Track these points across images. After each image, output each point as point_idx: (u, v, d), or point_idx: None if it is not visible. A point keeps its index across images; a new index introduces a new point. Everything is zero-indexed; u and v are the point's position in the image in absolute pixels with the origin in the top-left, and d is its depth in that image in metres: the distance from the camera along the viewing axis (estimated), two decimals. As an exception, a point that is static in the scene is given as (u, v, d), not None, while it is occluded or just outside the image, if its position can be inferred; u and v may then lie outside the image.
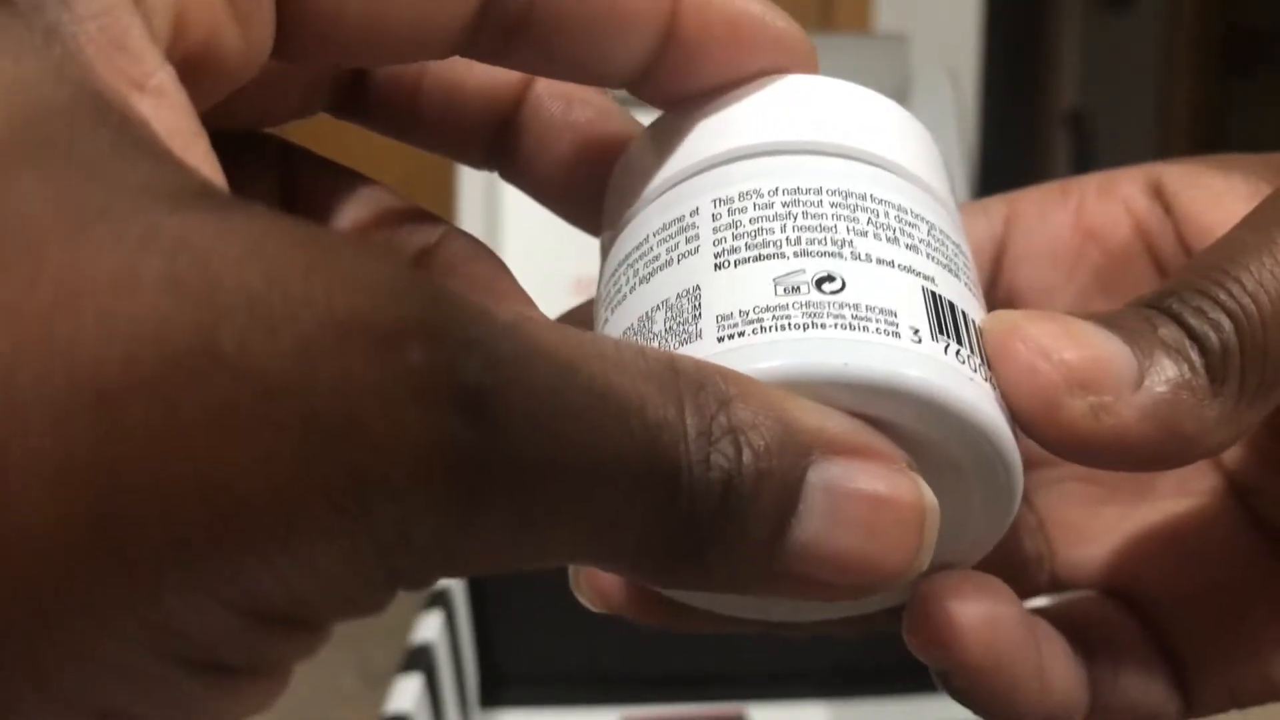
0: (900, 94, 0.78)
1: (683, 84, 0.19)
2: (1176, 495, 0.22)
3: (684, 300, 0.17)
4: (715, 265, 0.17)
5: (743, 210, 0.18)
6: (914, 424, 0.16)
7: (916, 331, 0.16)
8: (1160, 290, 0.17)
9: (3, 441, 0.11)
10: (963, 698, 0.19)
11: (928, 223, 0.18)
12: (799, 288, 0.16)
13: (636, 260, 0.18)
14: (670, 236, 0.18)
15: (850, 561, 0.15)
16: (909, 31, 0.82)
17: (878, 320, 0.16)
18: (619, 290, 0.18)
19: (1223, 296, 0.16)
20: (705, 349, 0.16)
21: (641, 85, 0.19)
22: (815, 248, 0.17)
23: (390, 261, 0.12)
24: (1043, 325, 0.17)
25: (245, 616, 0.12)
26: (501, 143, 0.21)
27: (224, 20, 0.15)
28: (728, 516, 0.14)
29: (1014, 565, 0.22)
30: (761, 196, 0.18)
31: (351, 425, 0.11)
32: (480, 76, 0.21)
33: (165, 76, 0.14)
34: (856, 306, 0.16)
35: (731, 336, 0.16)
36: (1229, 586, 0.21)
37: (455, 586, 0.55)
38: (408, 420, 0.11)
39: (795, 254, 0.17)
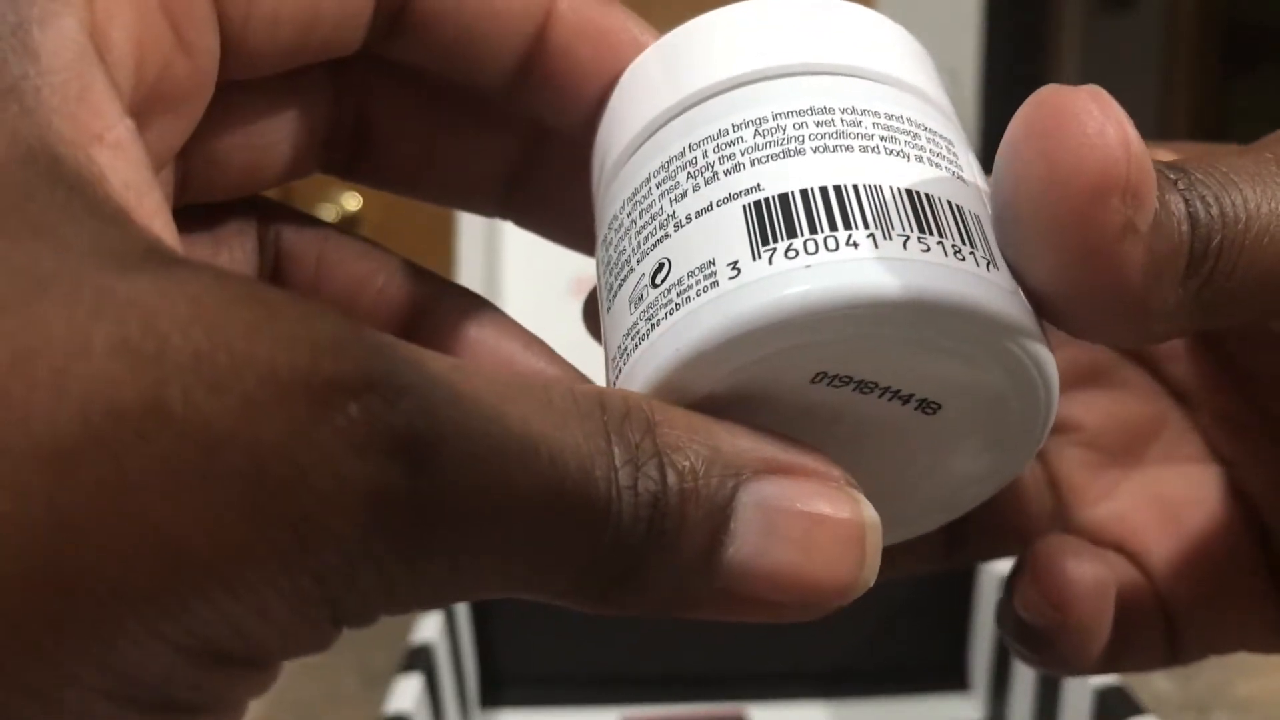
0: (900, 94, 0.78)
1: (557, 91, 0.20)
2: (1168, 464, 0.23)
3: (605, 357, 0.17)
4: (606, 310, 0.17)
5: (609, 243, 0.17)
6: (808, 339, 0.15)
7: (734, 264, 0.15)
8: (1174, 162, 0.16)
9: None
10: (1045, 651, 0.21)
11: (754, 122, 0.16)
12: (641, 296, 0.16)
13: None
14: (599, 299, 0.18)
15: (788, 579, 0.15)
16: (908, 32, 0.82)
17: (697, 283, 0.15)
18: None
19: (1226, 202, 0.16)
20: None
21: (518, 94, 0.20)
22: (649, 243, 0.16)
23: (330, 317, 0.12)
24: (1106, 101, 0.15)
25: (198, 658, 0.12)
26: (518, 184, 0.22)
27: (174, 55, 0.16)
28: (657, 538, 0.14)
29: (1034, 519, 0.23)
30: (616, 219, 0.17)
31: (295, 477, 0.12)
32: (495, 115, 0.21)
33: (124, 130, 0.14)
34: (679, 282, 0.15)
35: (616, 377, 0.16)
36: (1210, 550, 0.22)
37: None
38: (348, 471, 0.12)
39: (638, 260, 0.16)
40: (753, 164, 0.16)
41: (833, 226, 0.15)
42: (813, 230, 0.15)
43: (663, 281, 0.16)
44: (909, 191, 0.15)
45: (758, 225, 0.15)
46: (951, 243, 0.15)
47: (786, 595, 0.15)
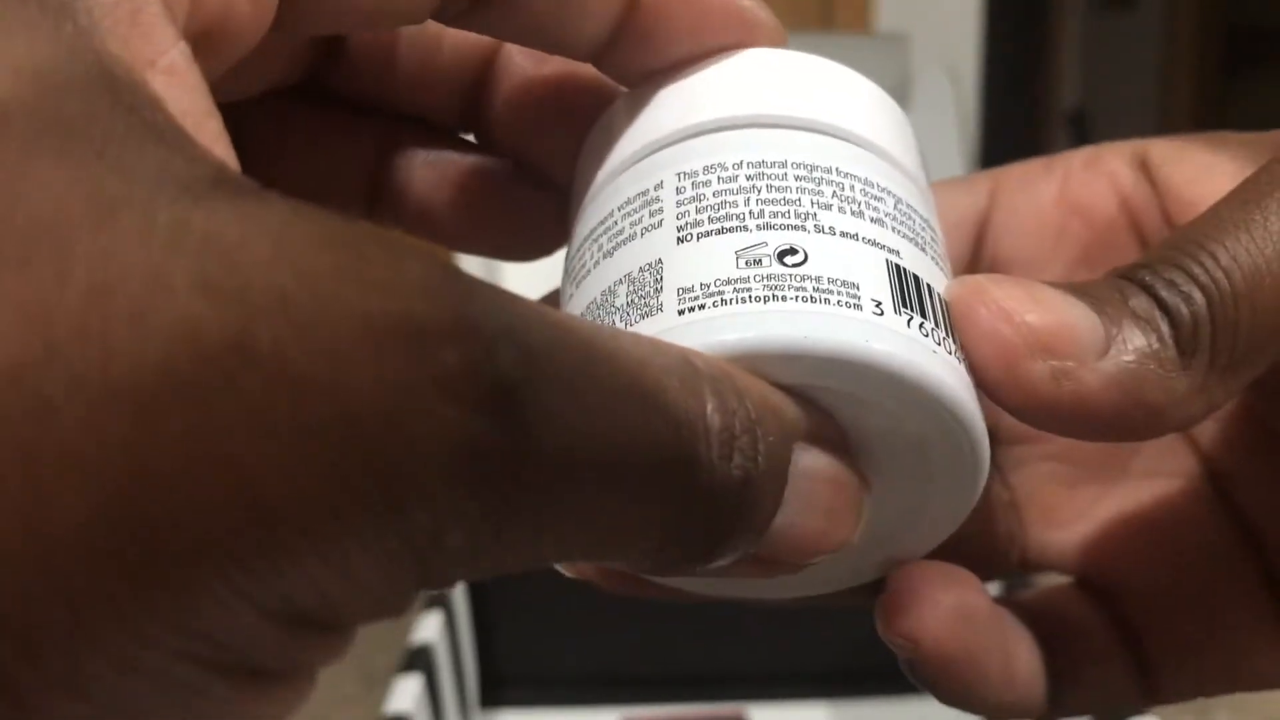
0: (900, 94, 0.78)
1: (647, 58, 0.19)
2: (1151, 478, 0.22)
3: (646, 274, 0.17)
4: (678, 239, 0.17)
5: (706, 184, 0.18)
6: (875, 397, 0.16)
7: (879, 304, 0.16)
8: (1135, 262, 0.17)
9: (34, 441, 0.10)
10: (929, 686, 0.19)
11: (894, 196, 0.18)
12: (761, 260, 0.16)
13: (601, 235, 0.18)
14: (634, 211, 0.18)
15: (810, 541, 0.15)
16: (909, 31, 0.82)
17: (840, 293, 0.16)
18: (584, 265, 0.18)
19: (1196, 270, 0.16)
20: (666, 322, 0.16)
21: (606, 58, 0.19)
22: (778, 220, 0.17)
23: (421, 260, 0.12)
24: (1007, 289, 0.17)
25: (277, 620, 0.12)
26: (476, 103, 0.22)
27: None
28: (743, 510, 0.14)
29: (986, 543, 0.22)
30: (725, 170, 0.18)
31: (386, 428, 0.11)
32: (454, 36, 0.21)
33: (178, 55, 0.14)
34: (819, 279, 0.16)
35: (692, 309, 0.16)
36: (1199, 575, 0.21)
37: (455, 587, 0.55)
38: (442, 422, 0.11)
39: (758, 227, 0.17)
40: (893, 230, 0.17)
41: (937, 324, 0.17)
42: (936, 324, 0.17)
43: (795, 266, 0.16)
44: (944, 300, 0.17)
45: (898, 286, 0.16)
46: (967, 363, 0.17)
47: (802, 556, 0.15)
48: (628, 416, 0.12)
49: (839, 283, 0.16)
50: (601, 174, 0.19)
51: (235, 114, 0.21)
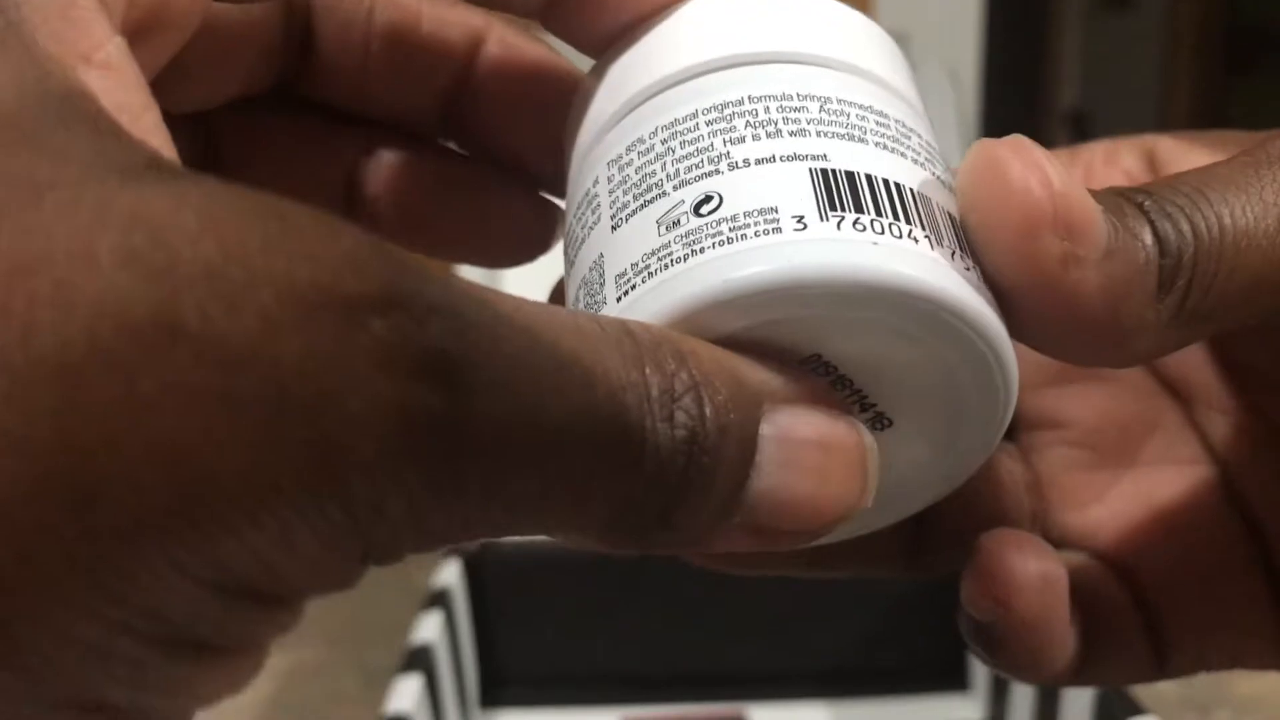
0: (900, 94, 0.78)
1: (589, 18, 0.19)
2: (1161, 465, 0.23)
3: (594, 271, 0.17)
4: (612, 227, 0.17)
5: (629, 164, 0.17)
6: (834, 313, 0.15)
7: (800, 218, 0.15)
8: (1134, 186, 0.17)
9: None
10: (999, 650, 0.20)
11: (819, 98, 0.17)
12: (678, 220, 0.16)
13: (568, 245, 0.18)
14: (583, 213, 0.18)
15: (805, 507, 0.15)
16: (909, 31, 0.82)
17: (756, 223, 0.15)
18: (566, 274, 0.19)
19: (1193, 211, 0.16)
20: (609, 312, 0.16)
21: (550, 17, 0.19)
22: (692, 174, 0.16)
23: (351, 232, 0.12)
24: (1046, 153, 0.16)
25: (219, 592, 0.12)
26: (455, 103, 0.22)
27: None
28: (694, 474, 0.14)
29: (1015, 522, 0.22)
30: (643, 142, 0.17)
31: (319, 399, 0.11)
32: (432, 36, 0.21)
33: (114, 49, 0.14)
34: (734, 218, 0.16)
35: (626, 293, 0.16)
36: (1206, 560, 0.21)
37: (455, 586, 0.55)
38: (376, 391, 0.11)
39: (674, 188, 0.16)
40: (819, 135, 0.16)
41: (895, 216, 0.15)
42: (879, 213, 0.15)
43: (710, 213, 0.16)
44: (949, 213, 0.16)
45: (825, 190, 0.15)
46: (979, 272, 0.16)
47: (800, 524, 0.15)
48: (563, 387, 0.12)
49: (755, 213, 0.15)
50: (569, 184, 0.19)
51: (210, 123, 0.21)
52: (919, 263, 0.15)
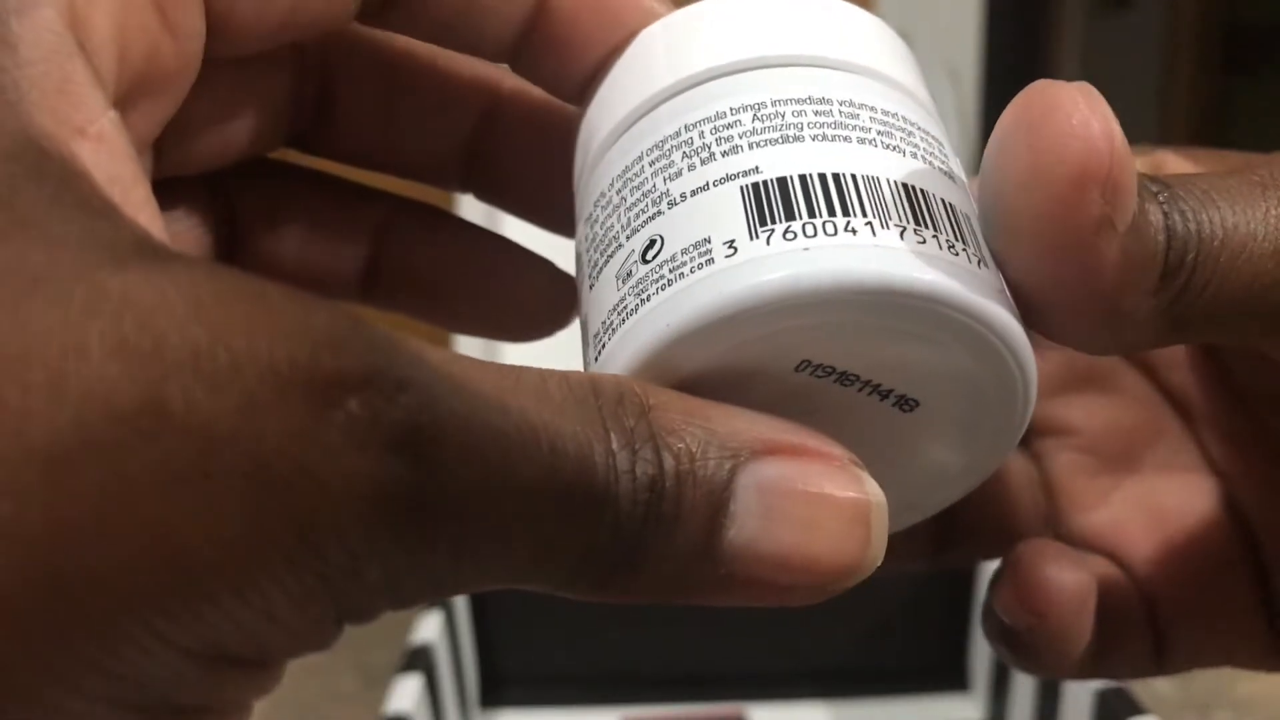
0: (900, 94, 0.78)
1: (558, 61, 0.19)
2: (1163, 472, 0.23)
3: (583, 333, 0.17)
4: (589, 288, 0.17)
5: (596, 219, 0.17)
6: (791, 323, 0.15)
7: (731, 243, 0.15)
8: (1149, 175, 0.16)
9: None
10: (1027, 654, 0.21)
11: (753, 106, 0.16)
12: (630, 271, 0.16)
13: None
14: (578, 276, 0.18)
15: (793, 560, 0.15)
16: (909, 31, 0.82)
17: (691, 259, 0.15)
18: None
19: (1198, 213, 0.16)
20: (594, 371, 0.16)
21: (519, 60, 0.20)
22: (639, 220, 0.16)
23: (328, 311, 0.12)
24: (1108, 107, 0.15)
25: (203, 661, 0.12)
26: (476, 154, 0.22)
27: (159, 38, 0.16)
28: (655, 522, 0.14)
29: (1027, 523, 0.23)
30: (605, 196, 0.17)
31: (297, 475, 0.12)
32: (452, 89, 0.21)
33: (107, 123, 0.14)
34: (672, 259, 0.15)
35: (599, 353, 0.16)
36: (1202, 563, 0.22)
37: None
38: (350, 467, 0.12)
39: (627, 238, 0.16)
40: (751, 147, 0.16)
41: (831, 212, 0.15)
42: (811, 214, 0.15)
43: (654, 258, 0.16)
44: (905, 185, 0.16)
45: (755, 206, 0.15)
46: (946, 238, 0.15)
47: (792, 577, 0.15)
48: (529, 452, 0.13)
49: (690, 248, 0.15)
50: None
51: (230, 197, 0.21)
52: (851, 255, 0.14)
